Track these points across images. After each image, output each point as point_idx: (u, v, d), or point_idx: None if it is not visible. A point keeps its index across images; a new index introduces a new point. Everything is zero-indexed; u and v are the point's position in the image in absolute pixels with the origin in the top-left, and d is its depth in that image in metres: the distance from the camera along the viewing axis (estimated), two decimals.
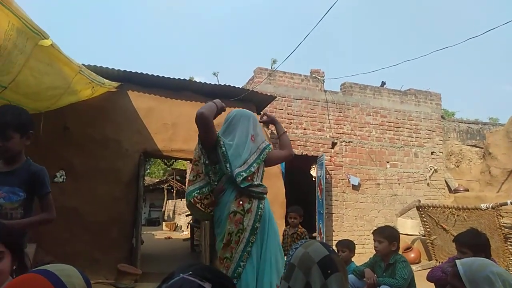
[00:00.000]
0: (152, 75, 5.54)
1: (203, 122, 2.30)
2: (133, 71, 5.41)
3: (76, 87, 3.81)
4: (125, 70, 5.34)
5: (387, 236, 2.92)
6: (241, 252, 2.13)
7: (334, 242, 6.63)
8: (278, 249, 2.28)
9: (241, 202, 2.20)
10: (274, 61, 14.90)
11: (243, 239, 2.14)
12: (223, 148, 2.31)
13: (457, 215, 5.55)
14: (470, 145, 10.53)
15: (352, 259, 3.49)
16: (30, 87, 3.06)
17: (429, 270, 3.03)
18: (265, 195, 2.34)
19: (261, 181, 2.39)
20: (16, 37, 2.32)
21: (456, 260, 1.44)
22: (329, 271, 1.09)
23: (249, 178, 2.26)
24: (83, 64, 3.90)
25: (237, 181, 2.19)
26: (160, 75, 5.59)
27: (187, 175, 15.44)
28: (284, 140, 2.70)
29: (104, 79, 4.48)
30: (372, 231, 3.06)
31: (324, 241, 7.32)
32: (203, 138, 2.38)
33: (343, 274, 1.13)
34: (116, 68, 5.27)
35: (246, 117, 2.54)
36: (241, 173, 2.23)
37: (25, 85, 2.92)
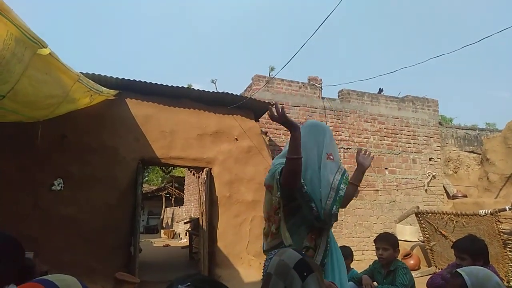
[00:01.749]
0: (150, 83, 5.56)
1: (296, 177, 1.80)
2: (131, 79, 5.42)
3: (74, 96, 3.82)
4: (123, 78, 5.36)
5: (392, 243, 2.91)
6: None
7: None
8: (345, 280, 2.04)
9: (313, 237, 1.92)
10: (272, 68, 14.94)
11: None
12: (305, 188, 1.85)
13: (456, 221, 5.55)
14: (468, 151, 10.56)
15: (351, 266, 3.47)
16: (29, 96, 3.06)
17: (428, 276, 3.02)
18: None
19: None
20: (15, 46, 2.32)
21: (459, 270, 1.42)
22: (305, 273, 1.13)
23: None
24: (81, 73, 3.91)
25: (332, 220, 1.86)
26: (158, 83, 5.61)
27: (185, 182, 15.44)
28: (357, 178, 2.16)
29: (102, 87, 4.49)
30: (374, 238, 3.03)
31: None
32: (294, 186, 1.84)
33: (318, 274, 1.17)
34: (114, 76, 5.28)
35: (319, 129, 2.05)
36: (334, 207, 1.86)
37: (23, 94, 2.92)
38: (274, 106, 1.85)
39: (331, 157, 1.99)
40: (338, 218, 8.56)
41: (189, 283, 0.75)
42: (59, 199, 4.88)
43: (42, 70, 2.88)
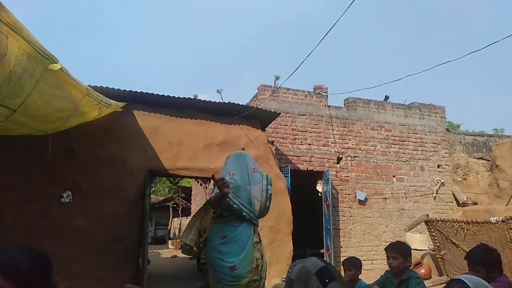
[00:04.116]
0: (157, 94, 5.62)
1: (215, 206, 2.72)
2: (138, 91, 5.48)
3: (83, 109, 3.87)
4: (130, 90, 5.42)
5: (402, 252, 2.87)
6: (265, 273, 2.75)
7: (342, 258, 6.55)
8: None
9: (259, 234, 2.82)
10: (277, 78, 15.02)
11: (263, 263, 2.75)
12: (235, 205, 2.71)
13: (466, 229, 5.47)
14: (477, 158, 10.46)
15: (360, 276, 3.43)
16: (39, 110, 3.11)
17: (440, 286, 2.97)
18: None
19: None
20: (26, 62, 2.37)
21: (457, 277, 1.46)
22: (326, 280, 1.14)
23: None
24: (89, 86, 3.97)
25: (265, 213, 2.88)
26: (165, 94, 5.67)
27: (192, 192, 15.45)
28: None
29: (111, 99, 4.55)
30: (385, 247, 2.99)
31: (332, 257, 7.24)
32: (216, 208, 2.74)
33: (340, 283, 1.17)
34: (122, 89, 5.35)
35: (240, 156, 2.98)
36: (267, 202, 2.86)
37: (34, 108, 2.97)
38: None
39: (255, 170, 2.88)
40: (346, 227, 8.40)
41: None
42: (68, 211, 4.91)
43: (52, 84, 2.93)
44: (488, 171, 9.26)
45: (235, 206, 2.67)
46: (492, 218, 5.07)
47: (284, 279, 5.14)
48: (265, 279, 2.78)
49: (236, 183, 2.74)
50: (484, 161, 10.24)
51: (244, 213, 2.69)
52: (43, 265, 1.31)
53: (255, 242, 2.73)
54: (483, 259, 2.46)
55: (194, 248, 2.70)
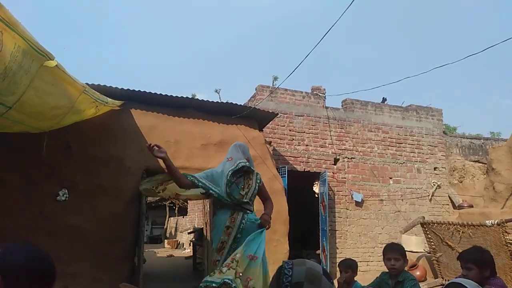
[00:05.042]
0: (155, 93, 5.60)
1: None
2: (136, 90, 5.46)
3: (80, 107, 3.85)
4: (128, 89, 5.40)
5: (402, 253, 2.87)
6: (226, 255, 2.94)
7: (338, 260, 6.56)
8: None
9: (233, 220, 3.04)
10: (275, 78, 15.04)
11: (228, 246, 2.99)
12: (200, 183, 3.09)
13: (462, 232, 5.49)
14: (473, 161, 10.50)
15: (356, 278, 3.43)
16: (35, 107, 3.09)
17: None
18: (249, 211, 3.13)
19: (252, 199, 3.20)
20: (22, 58, 2.36)
21: (454, 280, 1.47)
22: (331, 281, 1.26)
23: (242, 194, 3.10)
24: (87, 84, 3.95)
25: (231, 197, 3.06)
26: (163, 93, 5.65)
27: None
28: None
29: (108, 98, 4.53)
30: (384, 248, 2.97)
31: (328, 259, 7.25)
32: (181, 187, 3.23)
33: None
34: (120, 87, 5.33)
35: (230, 148, 3.37)
36: (227, 187, 3.07)
37: (29, 105, 2.95)
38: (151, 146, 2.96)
39: (229, 158, 3.23)
40: (342, 229, 8.41)
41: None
42: (64, 210, 4.88)
43: (48, 81, 2.91)
44: (484, 174, 9.29)
45: (200, 184, 3.05)
46: (487, 221, 5.09)
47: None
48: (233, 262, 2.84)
49: (213, 171, 3.21)
50: (481, 164, 10.28)
51: (211, 191, 3.07)
52: (43, 268, 1.24)
53: (226, 226, 3.04)
54: (475, 257, 2.48)
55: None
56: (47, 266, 1.25)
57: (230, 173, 3.10)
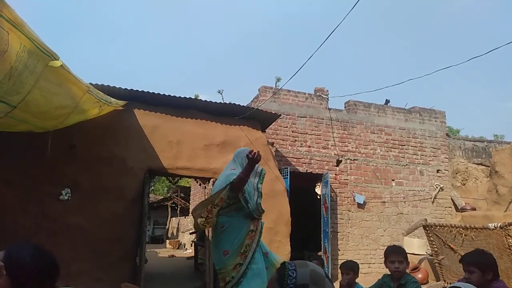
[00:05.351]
0: (158, 93, 5.62)
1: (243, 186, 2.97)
2: (139, 90, 5.48)
3: (84, 106, 3.87)
4: (131, 89, 5.42)
5: (405, 256, 2.87)
6: (250, 258, 2.93)
7: (340, 262, 6.54)
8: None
9: (255, 224, 3.03)
10: (278, 79, 15.03)
11: (252, 249, 2.95)
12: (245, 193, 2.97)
13: (464, 235, 5.46)
14: (476, 163, 10.46)
15: (357, 280, 3.42)
16: (39, 107, 3.11)
17: None
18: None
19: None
20: (27, 58, 2.38)
21: (454, 284, 1.49)
22: (333, 283, 1.32)
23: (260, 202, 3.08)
24: (90, 83, 3.97)
25: (259, 209, 3.03)
26: (166, 94, 5.67)
27: (191, 192, 15.44)
28: None
29: (111, 98, 4.55)
30: (386, 251, 2.96)
31: (330, 260, 7.24)
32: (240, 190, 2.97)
33: None
34: (123, 87, 5.35)
35: (239, 153, 3.25)
36: (259, 199, 3.06)
37: (34, 104, 2.97)
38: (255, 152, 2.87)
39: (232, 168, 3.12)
40: (344, 230, 8.39)
41: None
42: (67, 209, 4.90)
43: (53, 81, 2.93)
44: (487, 177, 9.26)
45: (245, 195, 2.94)
46: (490, 224, 5.06)
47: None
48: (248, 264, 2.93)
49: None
50: (484, 166, 10.25)
51: (248, 205, 2.95)
52: (48, 267, 1.27)
53: (251, 230, 2.96)
54: (477, 261, 2.47)
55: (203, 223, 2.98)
56: (51, 264, 1.28)
57: (260, 185, 3.16)
